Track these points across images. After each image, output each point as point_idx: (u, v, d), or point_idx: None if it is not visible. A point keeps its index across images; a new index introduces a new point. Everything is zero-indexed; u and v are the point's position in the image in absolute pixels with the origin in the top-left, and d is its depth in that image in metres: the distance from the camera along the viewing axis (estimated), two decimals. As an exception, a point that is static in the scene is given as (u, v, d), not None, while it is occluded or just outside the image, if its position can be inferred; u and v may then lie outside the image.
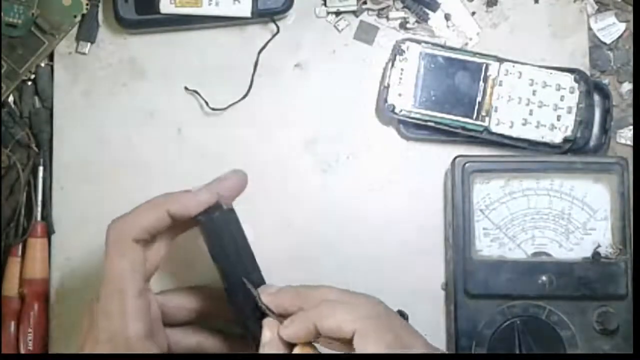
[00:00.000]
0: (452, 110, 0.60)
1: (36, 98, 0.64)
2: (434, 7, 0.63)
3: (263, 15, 0.61)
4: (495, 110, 0.60)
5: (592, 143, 0.61)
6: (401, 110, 0.60)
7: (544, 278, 0.56)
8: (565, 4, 0.63)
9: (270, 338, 0.47)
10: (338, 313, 0.44)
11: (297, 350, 0.46)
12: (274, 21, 0.62)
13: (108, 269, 0.48)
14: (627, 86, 0.63)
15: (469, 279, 0.57)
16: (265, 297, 0.49)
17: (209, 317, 0.55)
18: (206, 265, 0.50)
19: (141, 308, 0.47)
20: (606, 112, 0.61)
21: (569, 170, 0.58)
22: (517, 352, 0.56)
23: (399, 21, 0.63)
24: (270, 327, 0.47)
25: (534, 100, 0.59)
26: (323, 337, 0.45)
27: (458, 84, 0.60)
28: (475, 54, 0.60)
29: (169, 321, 0.52)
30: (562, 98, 0.59)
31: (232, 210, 0.51)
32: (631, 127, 0.62)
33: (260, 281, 0.51)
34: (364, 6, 0.63)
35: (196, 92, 0.62)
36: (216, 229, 0.49)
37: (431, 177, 0.61)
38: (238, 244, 0.50)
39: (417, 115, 0.60)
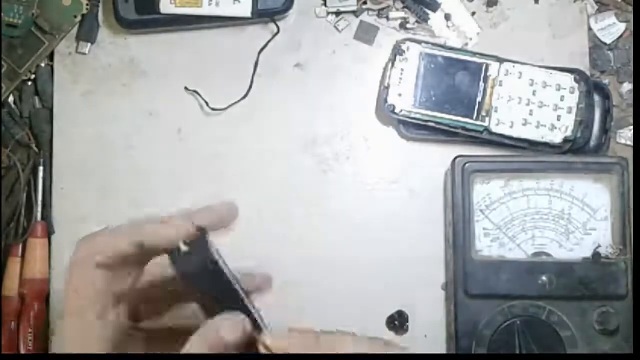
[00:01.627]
0: (452, 110, 0.60)
1: (36, 98, 0.64)
2: (434, 7, 0.63)
3: (263, 15, 0.61)
4: (495, 110, 0.60)
5: (592, 143, 0.61)
6: (401, 110, 0.60)
7: (544, 278, 0.56)
8: (565, 4, 0.63)
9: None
10: None
11: None
12: (274, 21, 0.62)
13: (70, 289, 0.47)
14: (627, 86, 0.63)
15: (469, 279, 0.57)
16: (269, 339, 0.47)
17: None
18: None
19: (101, 330, 0.47)
20: (606, 112, 0.61)
21: (569, 170, 0.58)
22: (517, 352, 0.56)
23: (399, 21, 0.63)
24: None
25: (534, 100, 0.59)
26: None
27: (458, 84, 0.60)
28: (475, 54, 0.60)
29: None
30: (562, 98, 0.59)
31: (204, 238, 0.47)
32: (631, 127, 0.62)
33: (238, 307, 0.48)
34: (364, 6, 0.63)
35: (196, 92, 0.62)
36: (185, 265, 0.46)
37: (431, 177, 0.61)
38: (210, 277, 0.46)
39: (417, 115, 0.60)
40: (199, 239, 0.45)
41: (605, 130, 0.61)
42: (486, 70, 0.60)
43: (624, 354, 0.56)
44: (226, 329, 0.45)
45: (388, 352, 0.44)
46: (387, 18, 0.63)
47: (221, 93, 0.62)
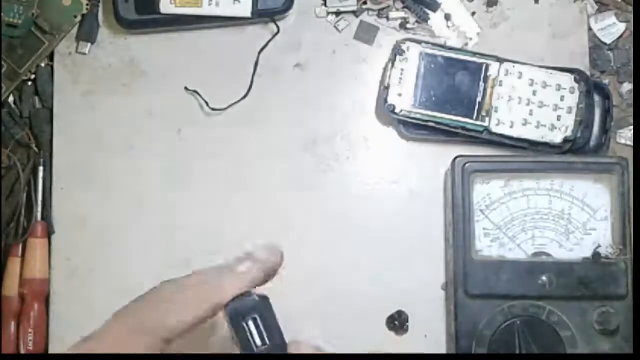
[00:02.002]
0: (452, 110, 0.60)
1: (36, 98, 0.64)
2: (434, 7, 0.63)
3: (263, 15, 0.61)
4: (495, 110, 0.60)
5: (592, 143, 0.61)
6: (401, 110, 0.60)
7: (544, 278, 0.56)
8: (565, 4, 0.63)
9: None
10: None
11: None
12: (274, 21, 0.62)
13: (118, 345, 0.44)
14: (627, 86, 0.63)
15: (469, 279, 0.57)
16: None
17: None
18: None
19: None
20: (606, 112, 0.61)
21: (569, 170, 0.58)
22: (517, 352, 0.56)
23: (399, 21, 0.63)
24: None
25: (534, 100, 0.59)
26: None
27: (458, 84, 0.60)
28: (475, 54, 0.60)
29: None
30: (562, 98, 0.59)
31: (263, 298, 0.46)
32: (631, 127, 0.62)
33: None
34: (364, 6, 0.63)
35: (196, 92, 0.62)
36: (236, 321, 0.45)
37: (431, 177, 0.61)
38: (260, 335, 0.45)
39: (417, 115, 0.60)
40: (249, 298, 0.44)
41: (605, 130, 0.61)
42: (486, 70, 0.60)
43: (624, 354, 0.56)
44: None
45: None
46: (387, 18, 0.63)
47: (221, 93, 0.62)
